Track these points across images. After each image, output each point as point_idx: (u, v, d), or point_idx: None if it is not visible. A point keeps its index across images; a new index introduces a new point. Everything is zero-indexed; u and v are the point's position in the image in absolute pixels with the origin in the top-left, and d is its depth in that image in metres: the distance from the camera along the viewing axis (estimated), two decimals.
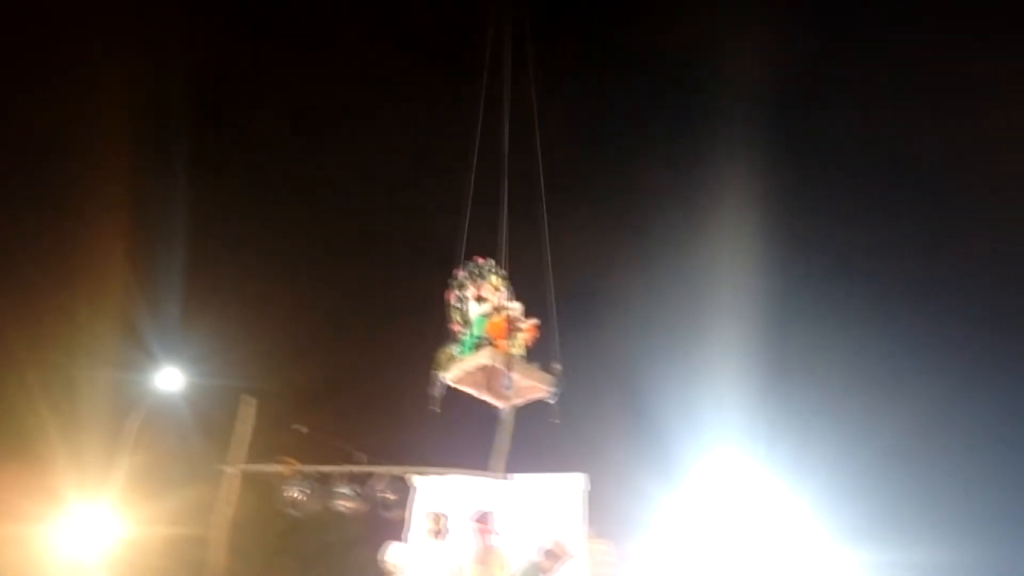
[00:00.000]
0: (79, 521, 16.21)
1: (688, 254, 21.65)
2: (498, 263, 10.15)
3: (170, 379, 16.66)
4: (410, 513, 9.51)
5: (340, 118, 21.65)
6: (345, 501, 7.71)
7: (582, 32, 22.66)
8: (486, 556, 7.53)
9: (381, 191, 20.84)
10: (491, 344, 9.25)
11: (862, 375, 20.54)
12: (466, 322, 9.60)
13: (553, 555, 8.16)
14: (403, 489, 7.68)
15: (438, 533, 7.75)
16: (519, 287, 10.32)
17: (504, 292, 9.82)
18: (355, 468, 7.88)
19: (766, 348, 20.09)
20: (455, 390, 9.56)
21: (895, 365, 20.87)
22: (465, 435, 10.15)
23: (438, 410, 9.09)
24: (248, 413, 8.80)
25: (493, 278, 9.87)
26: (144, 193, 18.77)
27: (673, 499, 15.21)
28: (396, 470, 7.76)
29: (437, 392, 9.20)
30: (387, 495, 7.64)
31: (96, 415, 17.07)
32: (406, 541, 9.05)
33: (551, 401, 9.37)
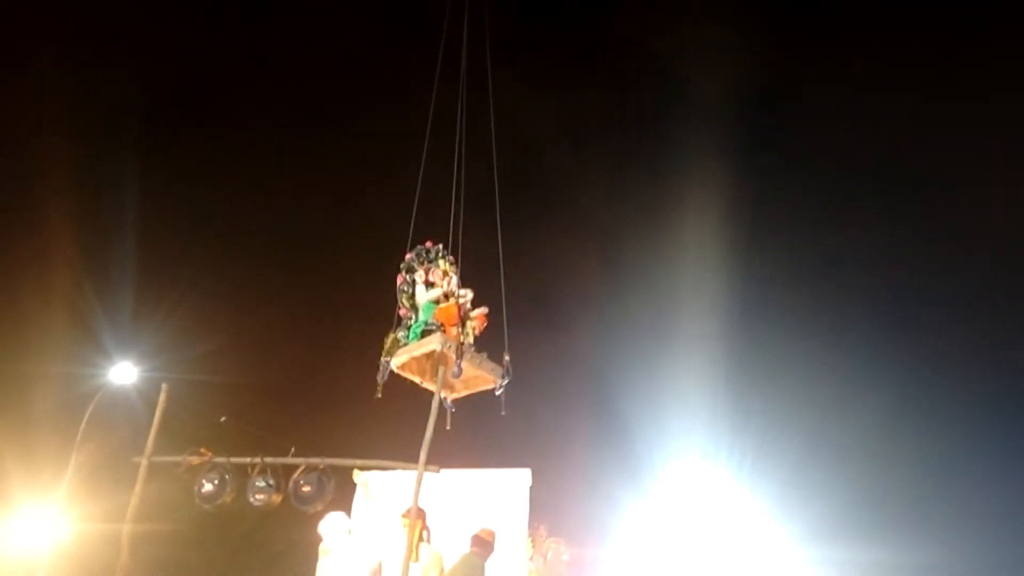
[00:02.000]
0: (31, 519, 15.39)
1: (658, 261, 21.22)
2: (451, 253, 9.52)
3: (123, 373, 15.84)
4: (354, 509, 8.86)
5: (299, 117, 20.97)
6: (260, 494, 7.01)
7: (554, 43, 22.18)
8: (417, 553, 6.82)
9: (338, 192, 20.11)
10: (441, 330, 8.57)
11: (822, 379, 20.13)
12: (413, 307, 8.90)
13: (481, 541, 7.50)
14: (320, 482, 6.98)
15: (349, 532, 7.13)
16: (479, 282, 9.71)
17: (453, 278, 9.15)
18: (269, 459, 7.17)
19: (729, 352, 19.67)
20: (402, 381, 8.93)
21: (854, 369, 20.47)
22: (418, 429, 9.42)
23: (379, 395, 8.38)
24: (163, 401, 8.02)
25: (442, 263, 9.15)
26: (96, 188, 18.03)
27: (635, 500, 14.71)
28: (314, 461, 7.06)
29: (381, 378, 8.48)
30: (303, 487, 6.93)
31: (48, 411, 16.23)
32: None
33: (498, 393, 8.70)
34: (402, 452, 8.34)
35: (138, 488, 7.62)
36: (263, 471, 7.03)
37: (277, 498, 7.02)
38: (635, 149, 22.45)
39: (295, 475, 7.04)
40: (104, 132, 18.24)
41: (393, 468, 7.54)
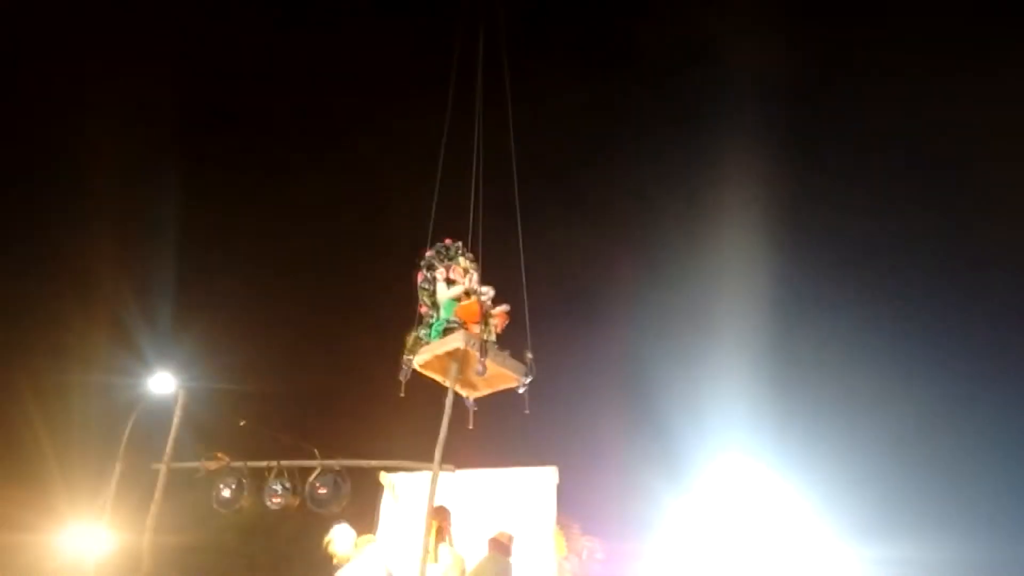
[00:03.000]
0: (74, 530, 15.44)
1: (693, 253, 20.70)
2: (472, 251, 9.26)
3: (162, 383, 15.85)
4: (380, 512, 8.66)
5: (330, 130, 20.87)
6: (276, 497, 6.85)
7: (583, 32, 21.77)
8: (436, 554, 6.58)
9: (369, 203, 19.96)
10: (463, 328, 8.34)
11: (868, 370, 19.46)
12: (434, 304, 8.61)
13: (499, 544, 7.24)
14: (336, 484, 6.80)
15: (355, 544, 6.93)
16: (509, 281, 9.43)
17: (474, 275, 8.91)
18: (285, 462, 7.02)
19: (771, 345, 19.10)
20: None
21: (901, 360, 19.75)
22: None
23: (402, 394, 8.15)
24: (180, 407, 7.95)
25: (462, 260, 8.90)
26: (137, 201, 18.19)
27: (675, 498, 14.35)
28: (330, 463, 6.88)
29: (404, 377, 8.24)
30: (319, 490, 6.75)
31: (90, 421, 16.30)
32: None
33: (521, 391, 8.35)
34: (427, 453, 8.11)
35: (158, 495, 7.53)
36: (279, 474, 6.86)
37: (294, 501, 6.86)
38: (670, 141, 21.85)
39: (311, 477, 6.86)
40: (145, 147, 18.37)
41: (410, 468, 7.34)
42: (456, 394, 7.88)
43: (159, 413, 16.12)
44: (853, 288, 21.25)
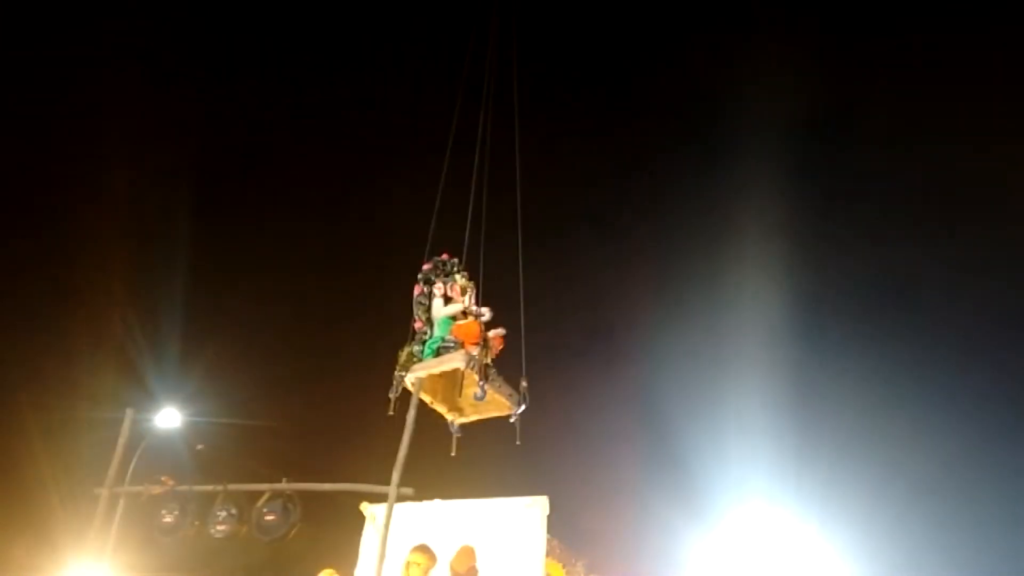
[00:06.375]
0: (78, 571, 14.80)
1: (714, 290, 20.06)
2: (476, 274, 8.60)
3: (169, 418, 15.30)
4: (362, 542, 7.91)
5: (337, 172, 20.67)
6: (221, 524, 6.19)
7: (604, 70, 21.43)
8: None
9: (381, 247, 19.55)
10: (462, 348, 7.67)
11: (896, 408, 18.51)
12: (429, 320, 7.90)
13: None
14: (286, 509, 6.12)
15: None
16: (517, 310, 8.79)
17: (471, 295, 8.24)
18: (233, 486, 6.36)
19: (793, 383, 18.27)
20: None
21: (932, 398, 18.74)
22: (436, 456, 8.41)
23: (391, 412, 7.43)
24: (126, 430, 7.38)
25: (459, 278, 8.23)
26: (144, 237, 18.03)
27: (691, 539, 13.50)
28: (280, 487, 6.22)
29: (394, 394, 7.45)
30: (266, 516, 6.07)
31: (94, 456, 15.79)
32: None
33: (512, 420, 7.62)
34: (416, 481, 7.36)
35: (98, 521, 6.90)
36: (226, 499, 6.17)
37: (241, 528, 6.15)
38: (688, 174, 21.35)
39: (259, 503, 6.15)
40: (155, 176, 18.30)
41: (368, 493, 6.61)
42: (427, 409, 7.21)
43: (165, 448, 15.63)
44: (883, 325, 20.34)
